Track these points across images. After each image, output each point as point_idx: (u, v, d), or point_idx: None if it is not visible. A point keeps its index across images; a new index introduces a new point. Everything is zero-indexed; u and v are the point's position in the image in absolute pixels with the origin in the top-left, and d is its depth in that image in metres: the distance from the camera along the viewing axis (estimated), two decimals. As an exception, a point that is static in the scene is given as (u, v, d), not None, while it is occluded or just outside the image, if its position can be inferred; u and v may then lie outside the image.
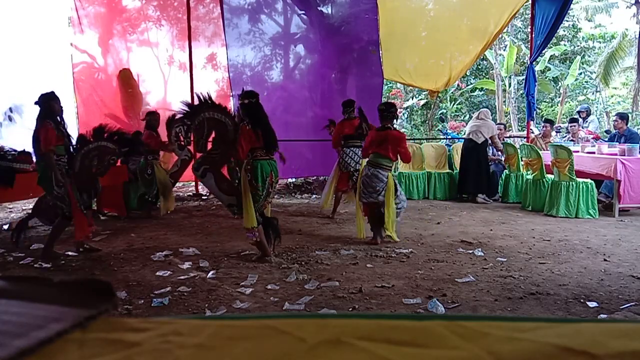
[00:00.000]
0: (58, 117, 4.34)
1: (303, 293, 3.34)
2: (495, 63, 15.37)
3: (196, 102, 4.69)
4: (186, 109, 4.57)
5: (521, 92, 14.01)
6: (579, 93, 18.85)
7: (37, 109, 4.37)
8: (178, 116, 5.69)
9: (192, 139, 5.01)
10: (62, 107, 4.39)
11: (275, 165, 4.16)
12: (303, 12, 8.60)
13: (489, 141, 7.53)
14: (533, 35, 7.99)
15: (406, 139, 4.82)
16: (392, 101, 5.53)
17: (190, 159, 6.63)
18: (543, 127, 8.19)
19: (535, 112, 8.65)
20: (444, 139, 10.93)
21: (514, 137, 11.94)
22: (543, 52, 10.65)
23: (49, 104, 4.29)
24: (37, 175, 4.42)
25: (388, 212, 4.65)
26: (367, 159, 4.80)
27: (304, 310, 3.05)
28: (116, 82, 8.48)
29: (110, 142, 4.58)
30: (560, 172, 6.23)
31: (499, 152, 7.89)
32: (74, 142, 4.48)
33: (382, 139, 4.67)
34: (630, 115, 12.17)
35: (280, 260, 4.12)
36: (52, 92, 4.35)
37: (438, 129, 13.97)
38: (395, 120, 4.93)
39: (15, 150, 5.44)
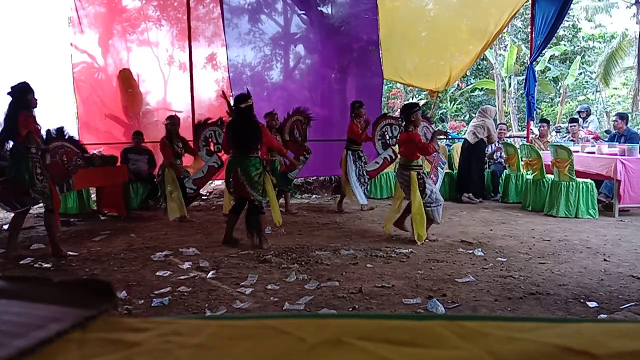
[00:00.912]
0: (33, 111, 4.26)
1: (303, 293, 3.34)
2: (495, 63, 15.37)
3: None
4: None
5: (521, 92, 14.01)
6: (579, 93, 18.85)
7: (37, 109, 4.33)
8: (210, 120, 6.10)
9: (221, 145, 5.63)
10: (36, 100, 4.29)
11: (240, 161, 4.51)
12: (303, 12, 8.60)
13: (486, 141, 7.48)
14: (533, 35, 7.98)
15: (416, 135, 4.89)
16: (415, 101, 5.78)
17: (219, 166, 6.40)
18: (540, 127, 8.19)
19: (535, 112, 8.65)
20: (444, 139, 10.92)
21: (514, 137, 11.93)
22: (543, 52, 10.64)
23: (25, 97, 4.20)
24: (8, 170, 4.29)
25: (412, 209, 4.75)
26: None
27: (304, 310, 3.04)
28: (116, 82, 8.48)
29: (72, 144, 4.79)
30: (560, 172, 6.23)
31: (499, 151, 7.87)
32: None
33: (400, 142, 5.07)
34: (630, 115, 12.18)
35: (280, 260, 4.12)
36: (27, 84, 4.24)
37: (438, 129, 13.96)
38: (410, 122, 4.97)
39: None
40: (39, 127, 4.35)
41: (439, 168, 5.70)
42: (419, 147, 4.78)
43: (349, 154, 6.42)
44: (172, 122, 6.17)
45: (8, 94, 4.23)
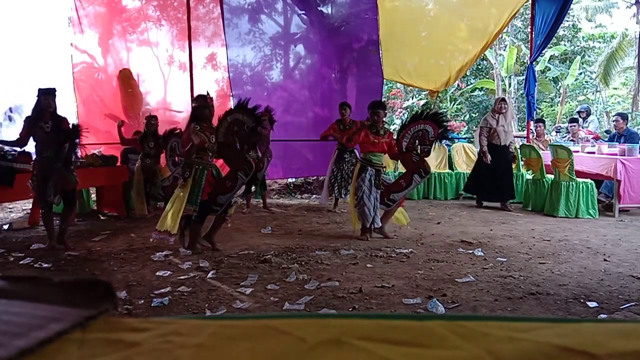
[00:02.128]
0: (45, 112, 4.40)
1: (303, 293, 3.34)
2: (495, 63, 15.36)
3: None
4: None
5: (521, 92, 14.00)
6: (579, 93, 18.84)
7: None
8: (177, 130, 5.96)
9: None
10: (49, 103, 4.43)
11: None
12: (303, 12, 8.60)
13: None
14: (533, 35, 7.99)
15: (364, 131, 4.99)
16: (382, 101, 5.65)
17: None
18: (536, 127, 8.19)
19: (535, 112, 8.64)
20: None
21: (514, 137, 11.91)
22: (543, 52, 10.64)
23: (39, 98, 4.42)
24: None
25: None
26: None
27: (304, 310, 3.04)
28: (116, 82, 8.48)
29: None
30: (560, 172, 6.23)
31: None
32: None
33: None
34: (630, 115, 12.19)
35: (280, 260, 4.12)
36: (49, 88, 4.45)
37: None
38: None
39: (15, 150, 5.44)
40: (46, 127, 4.39)
41: (415, 175, 4.87)
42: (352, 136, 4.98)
43: (335, 152, 6.58)
44: (149, 121, 6.36)
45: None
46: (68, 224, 4.75)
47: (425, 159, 4.86)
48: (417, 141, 4.83)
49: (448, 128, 5.06)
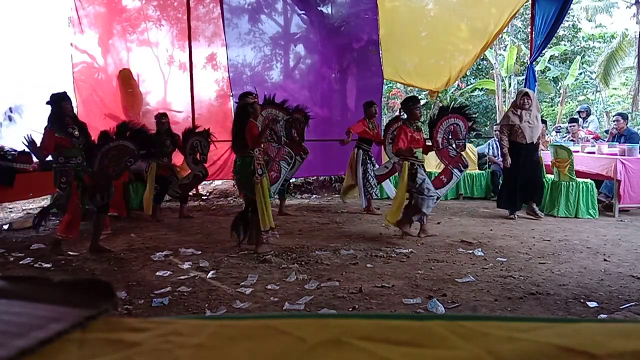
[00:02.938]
0: (68, 118, 4.39)
1: (303, 293, 3.34)
2: (495, 63, 15.35)
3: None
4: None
5: (521, 92, 13.96)
6: (579, 93, 18.83)
7: (38, 108, 4.42)
8: (198, 129, 6.01)
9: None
10: (69, 107, 4.46)
11: (236, 158, 4.55)
12: (303, 12, 8.60)
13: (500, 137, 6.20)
14: (533, 35, 7.99)
15: (404, 130, 4.91)
16: (413, 95, 5.72)
17: (204, 176, 6.54)
18: None
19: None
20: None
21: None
22: (543, 52, 10.64)
23: (59, 104, 4.38)
24: (36, 175, 4.50)
25: (397, 194, 5.08)
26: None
27: (304, 310, 3.04)
28: (116, 82, 8.48)
29: (131, 141, 4.42)
30: (560, 172, 6.23)
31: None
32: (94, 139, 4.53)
33: (397, 132, 5.08)
34: (630, 115, 12.19)
35: (280, 260, 4.12)
36: (64, 93, 4.46)
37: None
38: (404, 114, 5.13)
39: (15, 150, 5.45)
40: (77, 136, 4.37)
41: (454, 170, 5.15)
42: (397, 142, 4.86)
43: (359, 153, 6.34)
44: (160, 120, 6.28)
45: (47, 103, 4.41)
46: (100, 230, 4.61)
47: (462, 153, 5.13)
48: (450, 135, 5.01)
49: (476, 120, 5.21)
